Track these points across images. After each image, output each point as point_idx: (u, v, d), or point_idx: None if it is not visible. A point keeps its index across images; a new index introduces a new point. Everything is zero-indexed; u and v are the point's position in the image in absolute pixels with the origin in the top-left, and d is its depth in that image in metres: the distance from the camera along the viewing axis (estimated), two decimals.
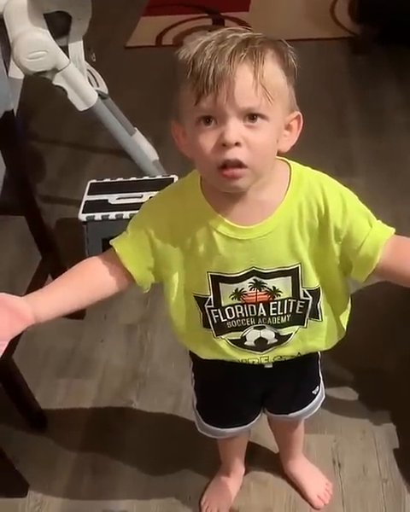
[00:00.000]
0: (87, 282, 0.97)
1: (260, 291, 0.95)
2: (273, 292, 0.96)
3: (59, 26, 1.91)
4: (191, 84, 0.80)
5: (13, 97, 1.63)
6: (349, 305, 1.05)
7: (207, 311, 0.99)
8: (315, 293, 0.97)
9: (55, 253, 1.72)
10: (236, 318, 0.99)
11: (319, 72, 2.92)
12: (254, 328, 1.00)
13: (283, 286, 0.95)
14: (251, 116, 0.81)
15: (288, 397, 1.16)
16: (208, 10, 3.71)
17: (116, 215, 1.85)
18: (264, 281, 0.94)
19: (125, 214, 1.83)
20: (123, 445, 1.51)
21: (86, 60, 2.02)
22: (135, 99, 2.77)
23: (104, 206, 1.90)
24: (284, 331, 1.01)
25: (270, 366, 1.06)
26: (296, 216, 0.90)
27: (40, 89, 2.09)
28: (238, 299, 0.97)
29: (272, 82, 0.81)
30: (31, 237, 1.68)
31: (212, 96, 0.79)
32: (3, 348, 0.87)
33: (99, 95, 2.04)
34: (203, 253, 0.93)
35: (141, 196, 1.90)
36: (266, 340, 1.02)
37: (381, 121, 2.62)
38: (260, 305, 0.97)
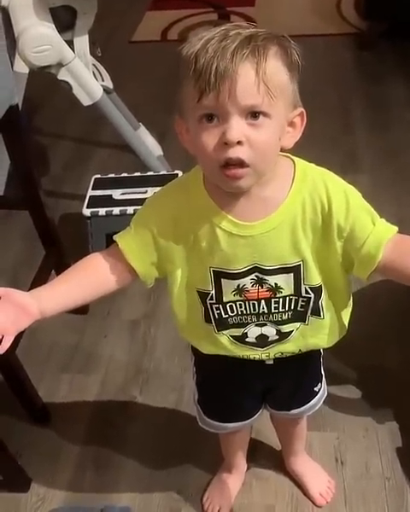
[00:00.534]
0: (91, 277, 0.97)
1: (262, 288, 0.95)
2: (275, 289, 0.96)
3: (64, 20, 1.91)
4: (194, 81, 0.80)
5: (18, 92, 1.63)
6: (351, 302, 1.04)
7: (209, 306, 0.99)
8: (317, 291, 0.97)
9: (59, 247, 1.72)
10: (237, 315, 0.99)
11: (325, 68, 2.92)
12: (256, 325, 1.00)
13: (284, 283, 0.95)
14: (253, 114, 0.81)
15: (289, 393, 1.16)
16: (214, 5, 3.70)
17: (120, 210, 1.85)
18: (266, 277, 0.94)
19: (130, 209, 1.83)
20: (126, 440, 1.51)
21: (91, 54, 2.02)
22: (140, 94, 2.78)
23: (108, 201, 1.90)
24: (286, 328, 1.01)
25: (271, 362, 1.06)
26: (300, 213, 0.90)
27: (45, 83, 2.10)
28: (240, 296, 0.97)
29: (274, 79, 0.80)
30: (34, 232, 1.68)
31: (214, 93, 0.79)
32: (9, 343, 0.87)
33: (104, 89, 2.03)
34: (206, 248, 0.93)
35: (145, 191, 1.90)
36: (268, 337, 1.02)
37: (386, 118, 2.61)
38: (262, 301, 0.97)
